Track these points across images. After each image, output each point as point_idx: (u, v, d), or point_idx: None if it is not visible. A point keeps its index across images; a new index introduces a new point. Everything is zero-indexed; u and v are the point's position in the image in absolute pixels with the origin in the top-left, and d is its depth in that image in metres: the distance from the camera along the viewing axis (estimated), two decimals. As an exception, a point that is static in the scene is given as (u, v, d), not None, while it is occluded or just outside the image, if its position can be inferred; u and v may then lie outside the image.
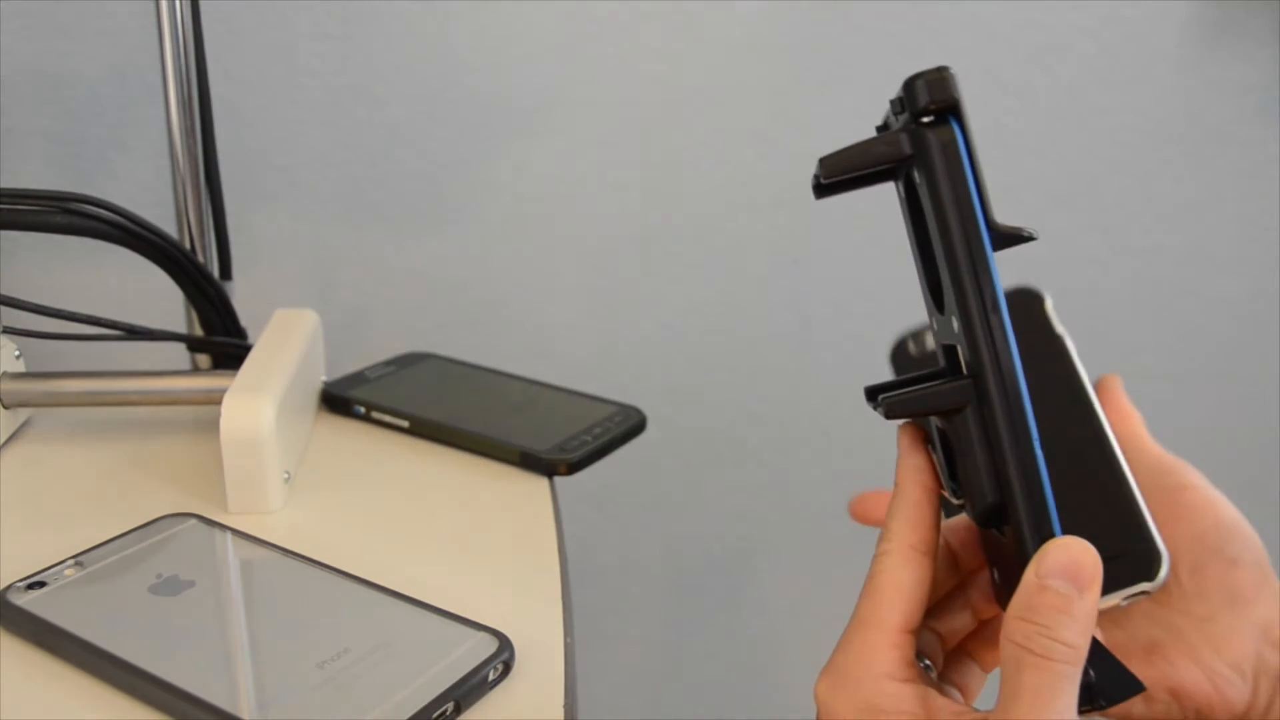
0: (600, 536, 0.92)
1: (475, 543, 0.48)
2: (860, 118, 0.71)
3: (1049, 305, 0.47)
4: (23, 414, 0.58)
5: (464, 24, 0.76)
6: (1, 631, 0.40)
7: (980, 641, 0.39)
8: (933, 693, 0.33)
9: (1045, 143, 0.86)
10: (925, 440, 0.36)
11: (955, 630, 0.39)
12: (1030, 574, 0.31)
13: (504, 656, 0.38)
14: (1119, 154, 0.87)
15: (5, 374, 0.55)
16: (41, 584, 0.41)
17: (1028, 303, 0.47)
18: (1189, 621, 0.39)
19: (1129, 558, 0.37)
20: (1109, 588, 0.36)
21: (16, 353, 0.57)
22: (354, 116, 0.77)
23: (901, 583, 0.34)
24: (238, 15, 0.74)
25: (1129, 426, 0.43)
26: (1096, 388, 0.42)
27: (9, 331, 0.57)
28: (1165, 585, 0.37)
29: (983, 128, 0.84)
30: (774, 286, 0.86)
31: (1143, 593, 0.37)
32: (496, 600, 0.42)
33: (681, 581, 0.95)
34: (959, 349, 0.34)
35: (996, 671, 0.39)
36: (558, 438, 0.56)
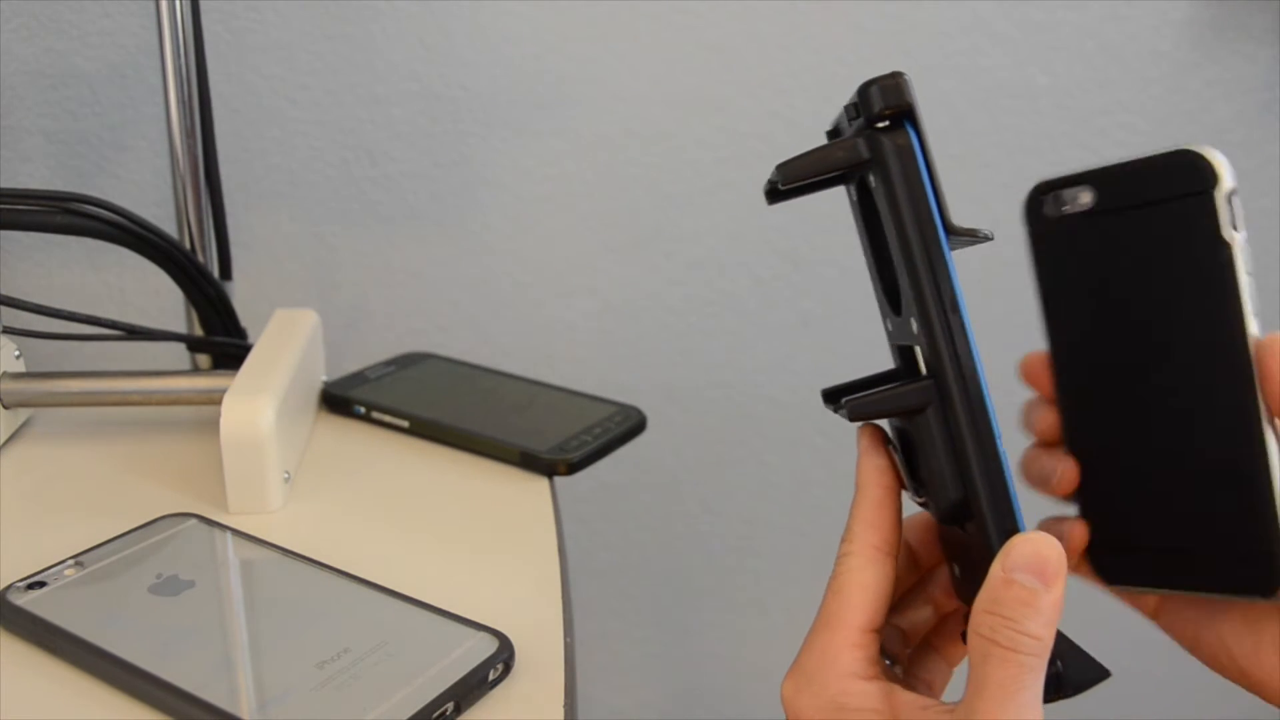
0: (600, 536, 0.92)
1: (475, 543, 0.48)
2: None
3: (1221, 192, 0.33)
4: (23, 414, 0.58)
5: (464, 24, 0.76)
6: (1, 631, 0.40)
7: (944, 636, 0.40)
8: (897, 688, 0.33)
9: (1045, 143, 0.86)
10: (885, 440, 0.37)
11: (918, 626, 0.39)
12: (996, 568, 0.31)
13: (504, 656, 0.38)
14: (1119, 154, 0.87)
15: (5, 374, 0.55)
16: (41, 584, 0.41)
17: (1188, 183, 0.33)
18: None
19: (1244, 562, 0.32)
20: (1210, 586, 0.33)
21: (16, 353, 0.57)
22: (354, 116, 0.77)
23: (865, 583, 0.34)
24: (238, 15, 0.74)
25: None
26: (1258, 351, 0.32)
27: (9, 331, 0.57)
28: None
29: (983, 128, 0.85)
30: (774, 286, 0.86)
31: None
32: (496, 600, 0.42)
33: (681, 581, 0.95)
34: (917, 350, 0.34)
35: (963, 665, 0.39)
36: (558, 438, 0.56)
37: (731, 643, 0.98)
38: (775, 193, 0.36)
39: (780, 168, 0.34)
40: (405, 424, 0.58)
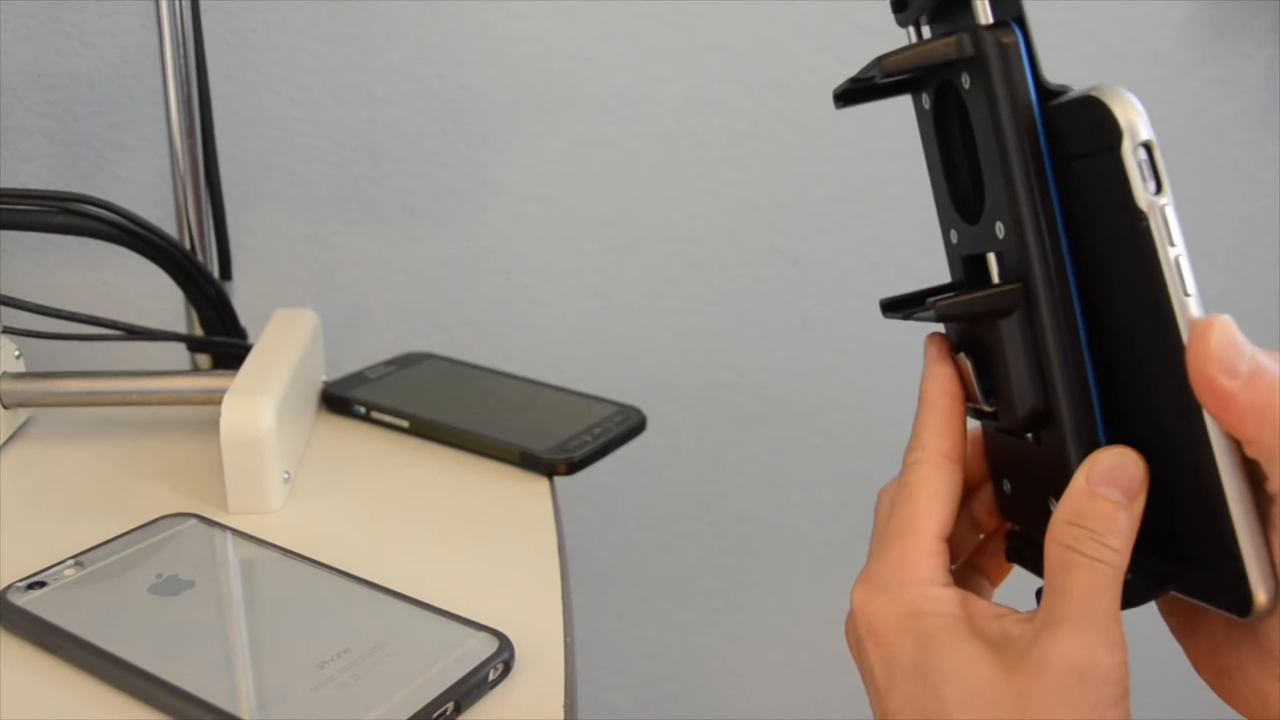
0: (600, 536, 0.92)
1: (475, 543, 0.48)
2: (861, 117, 0.71)
3: (1129, 149, 0.28)
4: (23, 414, 0.58)
5: (464, 24, 0.76)
6: (1, 631, 0.40)
7: (986, 555, 0.39)
8: (972, 596, 0.33)
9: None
10: (951, 349, 0.36)
11: (959, 545, 0.39)
12: (1080, 480, 0.31)
13: (504, 656, 0.38)
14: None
15: (5, 374, 0.55)
16: (41, 584, 0.41)
17: (1098, 137, 0.28)
18: None
19: (1219, 578, 0.29)
20: (1193, 593, 0.31)
21: (16, 353, 0.57)
22: (354, 116, 0.77)
23: (936, 490, 0.34)
24: (238, 15, 0.74)
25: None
26: (1189, 335, 0.28)
27: (9, 331, 0.57)
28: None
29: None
30: (774, 286, 0.86)
31: None
32: (496, 600, 0.42)
33: (681, 582, 0.95)
34: (990, 258, 0.34)
35: (1005, 583, 0.39)
36: (558, 438, 0.56)
37: (731, 643, 0.98)
38: (847, 96, 0.35)
39: (882, 60, 0.33)
40: (405, 424, 0.58)
